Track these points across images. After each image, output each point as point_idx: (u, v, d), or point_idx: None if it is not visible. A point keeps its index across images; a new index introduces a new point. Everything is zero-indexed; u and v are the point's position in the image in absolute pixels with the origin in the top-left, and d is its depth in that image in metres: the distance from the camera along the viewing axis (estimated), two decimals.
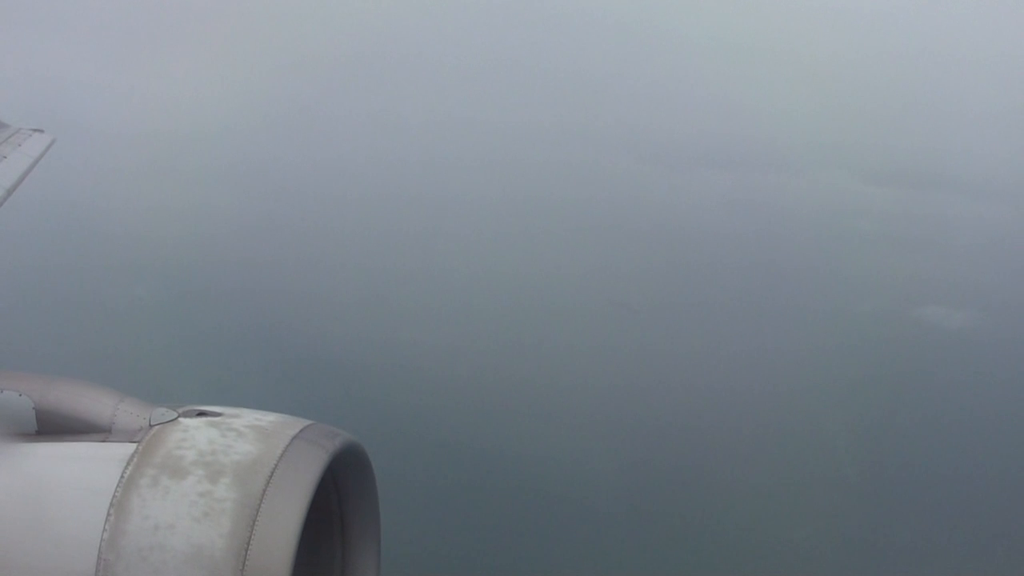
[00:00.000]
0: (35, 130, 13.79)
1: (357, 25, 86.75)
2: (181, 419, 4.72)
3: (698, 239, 52.85)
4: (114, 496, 4.34)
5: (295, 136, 61.77)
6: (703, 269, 49.31)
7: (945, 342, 43.50)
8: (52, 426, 4.70)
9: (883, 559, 28.78)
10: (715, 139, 71.09)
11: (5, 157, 12.38)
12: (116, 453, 4.52)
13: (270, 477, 4.42)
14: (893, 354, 41.71)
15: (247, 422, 4.73)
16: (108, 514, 4.31)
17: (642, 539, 28.12)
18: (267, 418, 4.81)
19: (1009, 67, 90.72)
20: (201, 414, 4.78)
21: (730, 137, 71.54)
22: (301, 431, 4.68)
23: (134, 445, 4.56)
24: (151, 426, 4.66)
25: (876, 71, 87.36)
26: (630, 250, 50.29)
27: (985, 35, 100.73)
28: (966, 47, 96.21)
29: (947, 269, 51.35)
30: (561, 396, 35.04)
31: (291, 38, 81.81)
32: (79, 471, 4.51)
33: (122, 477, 4.40)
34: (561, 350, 38.95)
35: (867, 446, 34.73)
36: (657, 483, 31.26)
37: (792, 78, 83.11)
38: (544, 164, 62.06)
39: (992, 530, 30.81)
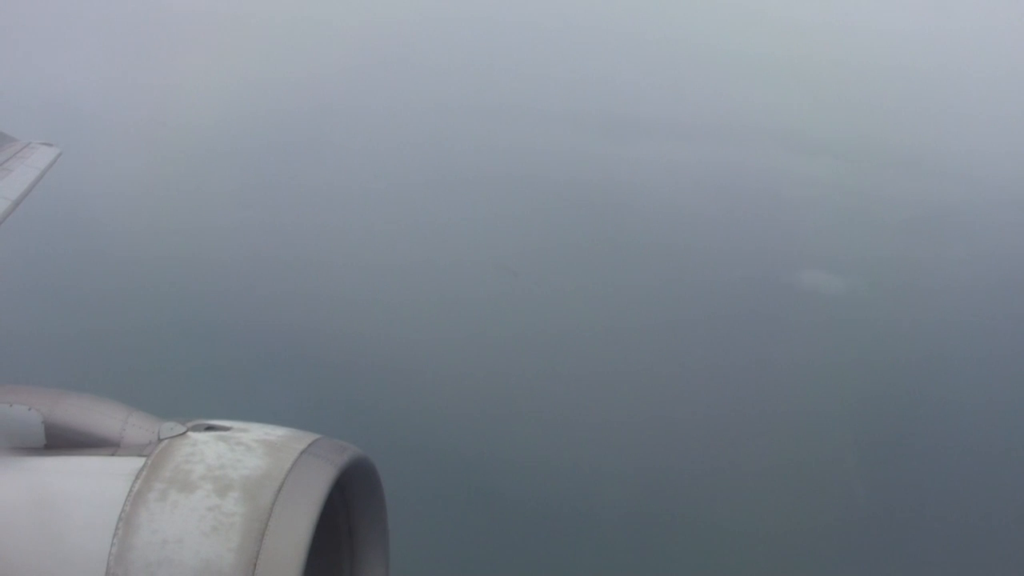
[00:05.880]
0: (44, 143, 13.91)
1: (353, 23, 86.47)
2: (190, 433, 4.72)
3: (612, 207, 51.62)
4: (123, 510, 4.34)
5: (301, 138, 61.36)
6: (600, 239, 47.87)
7: (815, 306, 42.30)
8: (61, 440, 4.71)
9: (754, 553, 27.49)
10: (651, 108, 70.61)
11: (11, 171, 12.51)
12: (125, 467, 4.52)
13: (278, 491, 4.42)
14: (760, 317, 40.65)
15: (256, 436, 4.73)
16: (116, 528, 4.31)
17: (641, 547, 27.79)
18: (276, 432, 4.81)
19: (954, 54, 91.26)
20: (210, 428, 4.78)
21: (665, 106, 71.23)
22: (310, 445, 4.69)
23: (143, 459, 4.56)
24: (160, 440, 4.67)
25: (825, 48, 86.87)
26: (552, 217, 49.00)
27: (936, 25, 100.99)
28: (918, 32, 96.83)
29: (851, 238, 50.18)
30: (565, 399, 34.46)
31: (291, 37, 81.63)
32: (88, 485, 4.52)
33: (130, 491, 4.40)
34: (557, 351, 38.15)
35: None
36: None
37: (737, 51, 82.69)
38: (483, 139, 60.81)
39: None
